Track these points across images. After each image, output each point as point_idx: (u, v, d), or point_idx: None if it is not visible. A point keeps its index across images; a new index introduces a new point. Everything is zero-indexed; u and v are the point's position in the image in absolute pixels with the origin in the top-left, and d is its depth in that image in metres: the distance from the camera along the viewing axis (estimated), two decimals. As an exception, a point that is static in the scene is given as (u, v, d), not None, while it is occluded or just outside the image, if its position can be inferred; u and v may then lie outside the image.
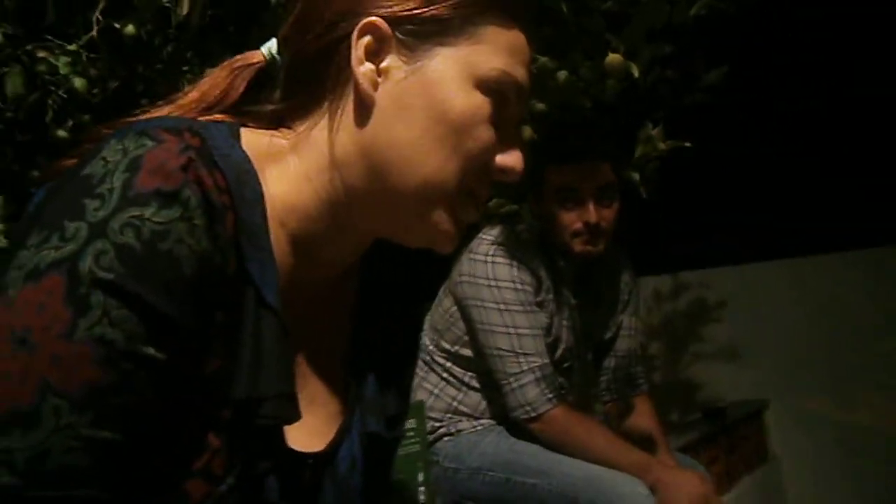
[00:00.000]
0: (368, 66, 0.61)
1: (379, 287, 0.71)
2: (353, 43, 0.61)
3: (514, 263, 1.59)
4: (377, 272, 0.71)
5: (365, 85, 0.61)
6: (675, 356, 3.18)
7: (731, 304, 3.07)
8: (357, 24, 0.61)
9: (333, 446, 0.65)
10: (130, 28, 1.61)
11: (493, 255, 1.60)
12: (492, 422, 1.66)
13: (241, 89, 0.66)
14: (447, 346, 1.68)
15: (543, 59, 1.79)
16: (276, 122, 0.65)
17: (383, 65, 0.61)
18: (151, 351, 0.50)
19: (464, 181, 0.61)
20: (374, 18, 0.61)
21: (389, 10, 0.61)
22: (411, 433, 1.24)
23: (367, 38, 0.61)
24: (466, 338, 1.65)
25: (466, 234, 1.81)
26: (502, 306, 1.57)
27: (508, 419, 1.60)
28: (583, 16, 1.77)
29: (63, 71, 1.74)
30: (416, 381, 1.69)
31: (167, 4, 1.68)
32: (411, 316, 0.75)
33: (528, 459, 1.55)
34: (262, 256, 0.57)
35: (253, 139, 0.62)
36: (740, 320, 3.04)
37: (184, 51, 1.76)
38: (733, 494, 2.46)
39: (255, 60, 0.68)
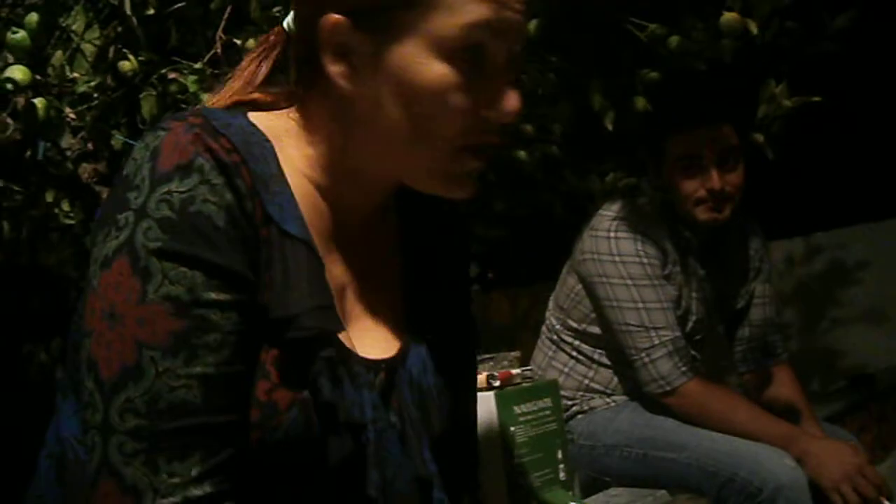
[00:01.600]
0: (339, 66, 0.65)
1: (416, 219, 0.77)
2: (321, 43, 0.65)
3: (638, 237, 1.57)
4: (412, 206, 0.77)
5: (340, 82, 0.65)
6: (812, 323, 3.02)
7: (872, 265, 2.88)
8: (319, 25, 0.65)
9: (402, 353, 0.72)
10: (251, 42, 1.69)
11: (615, 231, 1.58)
12: (625, 398, 1.65)
13: (266, 71, 0.72)
14: (574, 324, 1.68)
15: (653, 27, 1.74)
16: (291, 100, 0.71)
17: (354, 59, 0.65)
18: (212, 295, 0.60)
19: (454, 143, 0.64)
20: (332, 17, 0.64)
21: (345, 4, 0.64)
22: (547, 412, 1.25)
23: (333, 37, 0.65)
24: (593, 315, 1.65)
25: (586, 211, 1.81)
26: (629, 281, 1.55)
27: (642, 394, 1.59)
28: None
29: (192, 89, 1.86)
30: (545, 360, 1.70)
31: (277, 15, 1.76)
32: (448, 240, 0.80)
33: (665, 434, 1.53)
34: (281, 199, 0.64)
35: (262, 118, 0.69)
36: (883, 280, 2.84)
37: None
38: (888, 464, 2.32)
39: (277, 39, 0.73)
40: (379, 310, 0.73)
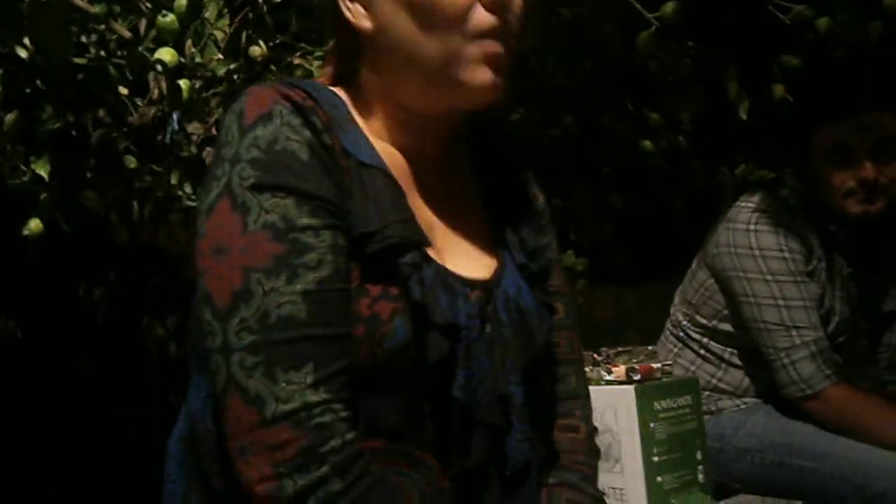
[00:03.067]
0: (356, 8, 0.73)
1: (489, 166, 0.84)
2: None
3: (780, 230, 1.48)
4: (479, 143, 0.85)
5: (362, 23, 0.73)
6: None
7: None
8: None
9: (497, 275, 0.76)
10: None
11: (755, 223, 1.49)
12: (756, 400, 1.57)
13: (331, 61, 0.81)
14: (703, 320, 1.60)
15: (799, 8, 1.64)
16: (345, 77, 0.79)
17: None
18: (304, 220, 0.65)
19: (463, 36, 0.70)
20: None
21: None
22: (687, 409, 1.20)
23: None
24: (726, 311, 1.57)
25: (712, 207, 1.72)
26: (769, 277, 1.47)
27: (776, 397, 1.50)
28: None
29: (317, 74, 1.89)
30: (671, 356, 1.63)
31: None
32: (515, 174, 0.86)
33: (804, 441, 1.44)
34: (355, 136, 0.71)
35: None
36: None
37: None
38: None
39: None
40: (471, 241, 0.77)
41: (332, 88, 0.76)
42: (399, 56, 0.72)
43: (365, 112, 0.76)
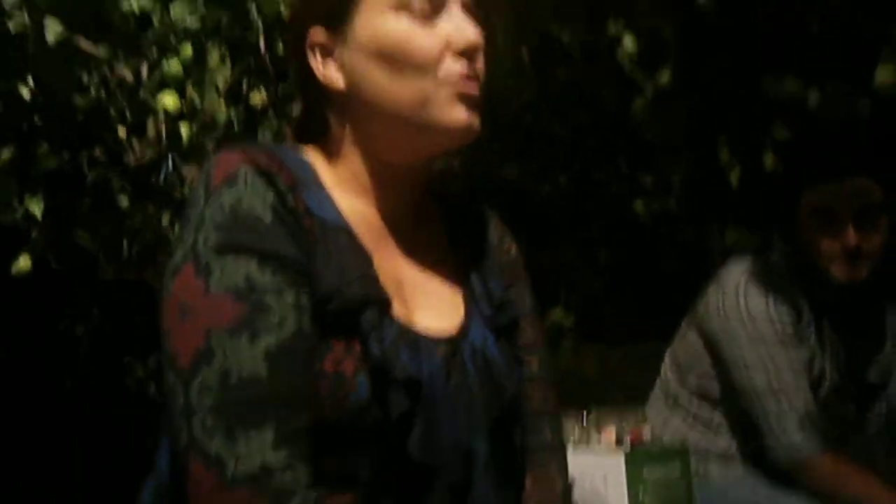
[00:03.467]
0: (327, 66, 0.75)
1: (459, 220, 0.85)
2: (310, 57, 0.76)
3: (769, 295, 1.49)
4: (452, 210, 0.86)
5: (334, 77, 0.75)
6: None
7: None
8: (305, 43, 0.76)
9: (464, 328, 0.76)
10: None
11: (744, 287, 1.50)
12: (746, 466, 1.55)
13: (298, 120, 0.82)
14: (693, 383, 1.60)
15: (789, 82, 1.69)
16: (309, 137, 0.80)
17: (336, 54, 0.75)
18: (267, 280, 0.66)
19: (435, 82, 0.72)
20: (312, 31, 0.76)
21: (315, 15, 0.76)
22: (676, 476, 1.19)
23: (315, 44, 0.76)
24: (715, 375, 1.57)
25: (701, 269, 1.74)
26: (757, 341, 1.47)
27: (764, 464, 1.49)
28: (836, 33, 1.65)
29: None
30: (660, 419, 1.62)
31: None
32: (482, 225, 0.87)
33: (792, 510, 1.43)
34: (319, 196, 0.73)
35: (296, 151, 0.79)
36: None
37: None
38: None
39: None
40: (439, 293, 0.78)
41: (300, 149, 0.78)
42: (374, 107, 0.74)
43: (335, 169, 0.77)
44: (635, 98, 1.68)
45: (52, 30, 1.13)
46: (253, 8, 1.61)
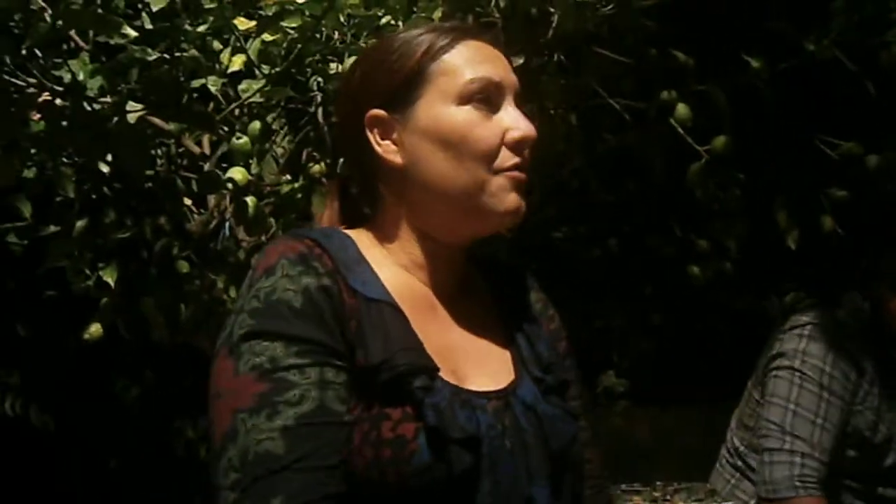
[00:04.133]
0: (386, 145, 0.79)
1: (503, 289, 0.89)
2: (369, 136, 0.80)
3: (833, 346, 1.45)
4: (496, 279, 0.90)
5: (390, 157, 0.79)
6: None
7: None
8: (364, 122, 0.80)
9: (514, 384, 0.80)
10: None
11: (809, 331, 1.48)
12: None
13: (337, 207, 0.87)
14: (757, 443, 1.55)
15: (848, 145, 1.68)
16: (361, 219, 0.85)
17: (395, 135, 0.79)
18: (290, 360, 0.70)
19: (490, 170, 0.77)
20: (371, 112, 0.80)
21: (375, 96, 0.80)
22: (750, 555, 1.14)
23: (374, 126, 0.80)
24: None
25: (766, 327, 1.70)
26: (796, 378, 1.43)
27: None
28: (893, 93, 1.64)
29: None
30: (728, 487, 1.57)
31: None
32: (525, 291, 0.91)
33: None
34: (363, 275, 0.77)
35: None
36: None
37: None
38: None
39: (332, 184, 0.89)
40: (487, 358, 0.81)
41: (342, 229, 0.82)
42: (430, 187, 0.78)
43: (383, 245, 0.82)
44: (688, 163, 1.69)
45: (133, 112, 1.19)
46: (314, 81, 1.67)
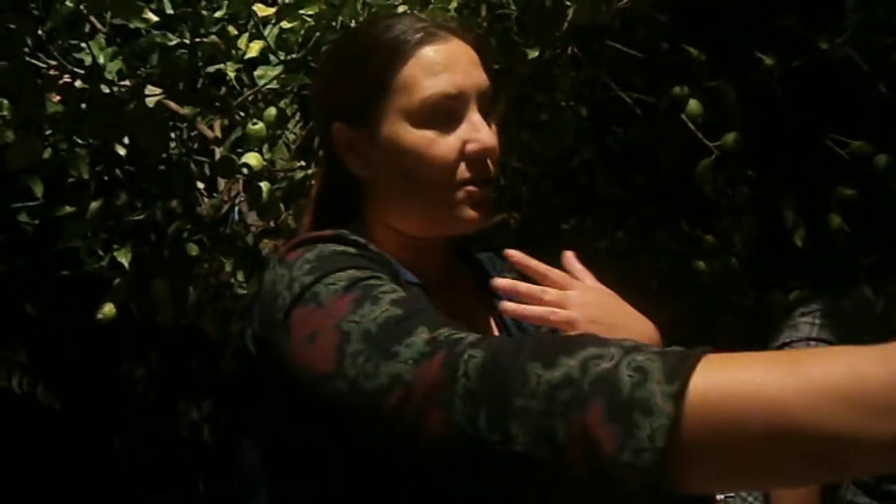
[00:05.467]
0: (351, 158, 0.79)
1: (479, 266, 0.90)
2: (336, 146, 0.80)
3: (843, 330, 1.47)
4: (473, 261, 0.91)
5: (357, 171, 0.80)
6: None
7: None
8: (329, 133, 0.80)
9: None
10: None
11: (819, 317, 1.49)
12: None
13: (317, 202, 0.86)
14: None
15: (857, 144, 1.69)
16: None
17: (358, 149, 0.79)
18: (367, 275, 0.69)
19: (450, 184, 0.77)
20: (334, 125, 0.79)
21: (337, 109, 0.79)
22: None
23: (340, 138, 0.79)
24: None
25: (769, 324, 1.72)
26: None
27: None
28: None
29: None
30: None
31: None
32: (499, 269, 0.91)
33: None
34: (381, 260, 0.76)
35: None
36: None
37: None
38: None
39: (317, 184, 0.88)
40: (485, 331, 0.82)
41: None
42: (395, 199, 0.80)
43: (373, 244, 0.82)
44: (697, 158, 1.70)
45: (152, 96, 1.20)
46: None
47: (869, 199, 1.77)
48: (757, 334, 1.83)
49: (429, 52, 0.78)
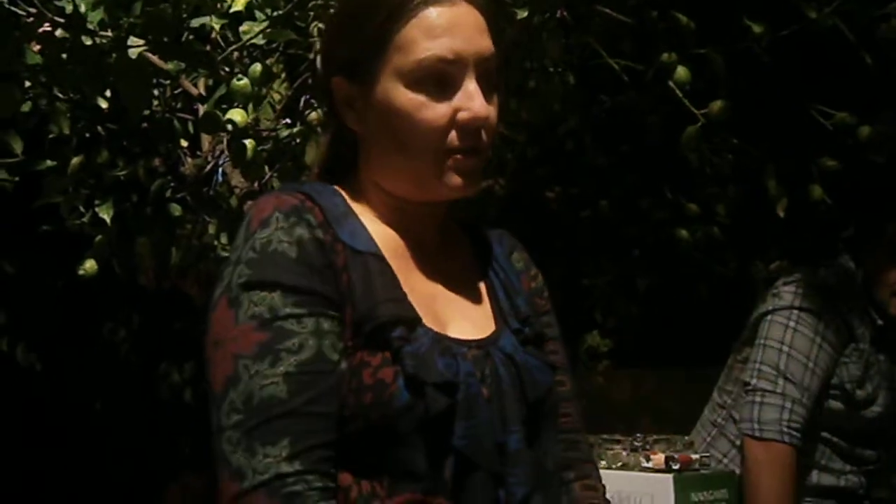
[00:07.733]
0: (349, 113, 0.81)
1: (486, 245, 0.91)
2: (335, 100, 0.82)
3: (826, 299, 1.48)
4: (478, 236, 0.92)
5: (353, 126, 0.82)
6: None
7: None
8: (330, 87, 0.81)
9: (494, 335, 0.82)
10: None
11: (803, 286, 1.50)
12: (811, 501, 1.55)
13: (325, 154, 0.89)
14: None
15: (841, 115, 1.70)
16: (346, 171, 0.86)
17: (356, 105, 0.80)
18: (288, 310, 0.73)
19: (439, 151, 0.78)
20: (334, 79, 0.81)
21: (338, 63, 0.81)
22: (723, 502, 1.19)
23: (339, 93, 0.81)
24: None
25: (750, 293, 1.73)
26: (791, 322, 1.47)
27: (816, 494, 1.49)
28: (890, 66, 1.65)
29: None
30: (703, 444, 1.62)
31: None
32: (506, 250, 0.93)
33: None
34: (352, 227, 0.79)
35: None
36: None
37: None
38: None
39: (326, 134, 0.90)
40: (469, 309, 0.84)
41: (332, 186, 0.84)
42: (386, 158, 0.81)
43: (363, 201, 0.84)
44: (682, 127, 1.70)
45: (134, 47, 1.18)
46: (314, 26, 1.65)
47: (851, 171, 1.78)
48: (736, 304, 1.85)
49: (432, 13, 0.77)
